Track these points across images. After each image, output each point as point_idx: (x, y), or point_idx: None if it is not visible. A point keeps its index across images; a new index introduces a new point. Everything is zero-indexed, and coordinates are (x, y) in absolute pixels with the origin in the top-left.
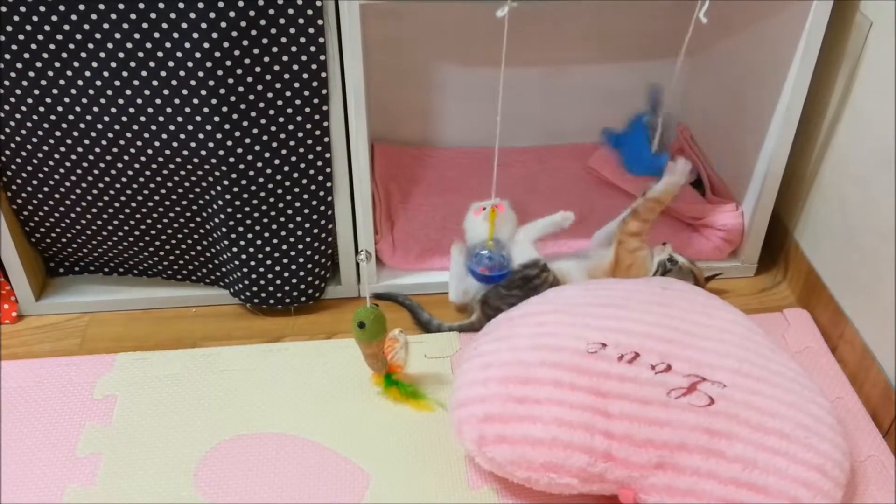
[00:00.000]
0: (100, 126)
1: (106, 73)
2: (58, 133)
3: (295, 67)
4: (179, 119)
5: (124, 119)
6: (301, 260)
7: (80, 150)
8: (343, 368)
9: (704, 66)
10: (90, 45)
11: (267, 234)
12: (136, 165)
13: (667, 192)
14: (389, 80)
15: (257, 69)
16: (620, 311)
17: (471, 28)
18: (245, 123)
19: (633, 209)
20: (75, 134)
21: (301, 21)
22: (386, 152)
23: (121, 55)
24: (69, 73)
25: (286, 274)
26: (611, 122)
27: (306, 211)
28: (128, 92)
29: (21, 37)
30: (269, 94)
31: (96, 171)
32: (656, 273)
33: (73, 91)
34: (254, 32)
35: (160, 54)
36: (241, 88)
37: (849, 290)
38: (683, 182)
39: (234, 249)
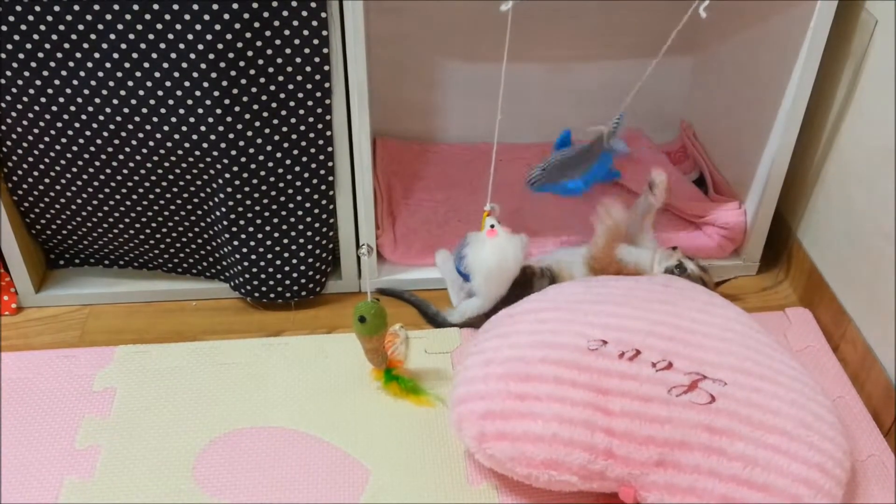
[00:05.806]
0: (101, 117)
1: (108, 65)
2: (59, 124)
3: (298, 60)
4: (182, 111)
5: (126, 111)
6: (302, 254)
7: (81, 141)
8: (343, 363)
9: (709, 63)
10: (93, 36)
11: (268, 228)
12: (138, 157)
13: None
14: (392, 74)
15: (260, 61)
16: (621, 309)
17: (474, 23)
18: (247, 116)
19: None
20: (77, 125)
21: (305, 13)
22: (388, 147)
23: (123, 46)
24: (71, 63)
25: (287, 268)
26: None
27: (308, 205)
28: (130, 83)
29: (23, 27)
30: (272, 87)
31: (97, 163)
32: None
33: (75, 82)
34: (257, 24)
35: (163, 45)
36: (243, 80)
37: (851, 290)
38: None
39: (235, 243)
